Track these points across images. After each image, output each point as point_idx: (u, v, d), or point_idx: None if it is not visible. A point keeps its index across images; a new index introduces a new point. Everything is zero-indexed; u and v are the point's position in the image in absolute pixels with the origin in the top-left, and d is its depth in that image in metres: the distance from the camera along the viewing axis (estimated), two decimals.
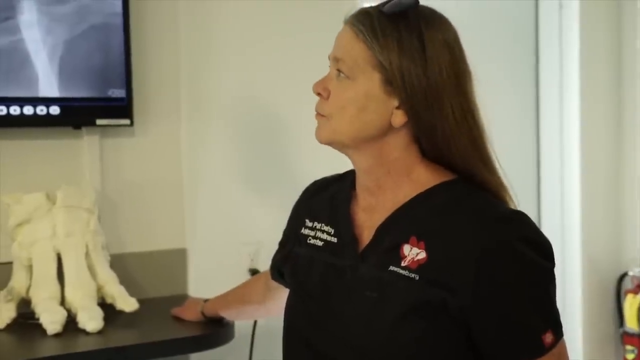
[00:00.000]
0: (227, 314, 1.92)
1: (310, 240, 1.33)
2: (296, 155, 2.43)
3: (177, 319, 2.00)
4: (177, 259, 2.31)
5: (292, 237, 1.43)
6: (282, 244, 1.51)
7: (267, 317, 2.14)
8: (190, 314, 1.98)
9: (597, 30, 2.91)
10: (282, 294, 1.46)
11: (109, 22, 2.12)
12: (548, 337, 1.10)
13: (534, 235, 1.14)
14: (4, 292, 1.98)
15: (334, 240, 1.28)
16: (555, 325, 1.12)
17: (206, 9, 2.30)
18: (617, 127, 2.96)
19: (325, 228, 1.31)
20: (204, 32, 2.32)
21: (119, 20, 2.12)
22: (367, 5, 1.21)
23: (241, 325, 2.08)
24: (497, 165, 1.22)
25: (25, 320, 1.94)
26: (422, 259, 1.13)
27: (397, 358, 1.14)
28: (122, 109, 2.15)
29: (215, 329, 1.94)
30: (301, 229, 1.37)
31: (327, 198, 1.36)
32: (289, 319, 1.33)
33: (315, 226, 1.34)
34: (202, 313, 1.95)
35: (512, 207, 1.21)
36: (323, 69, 1.28)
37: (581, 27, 2.87)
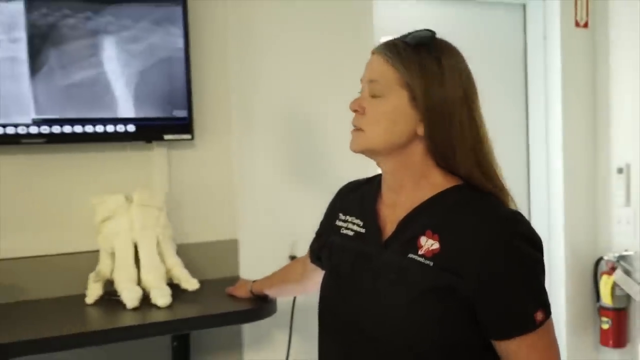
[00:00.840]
0: (271, 292, 1.92)
1: (343, 230, 1.33)
2: (329, 160, 2.41)
3: (231, 297, 2.00)
4: (230, 247, 2.30)
5: (327, 228, 1.42)
6: (319, 234, 1.50)
7: (304, 295, 2.09)
8: (241, 292, 1.98)
9: (575, 54, 2.88)
10: (317, 275, 1.47)
11: (173, 56, 2.11)
12: (539, 315, 1.10)
13: (527, 232, 1.14)
14: (93, 274, 1.99)
15: (362, 231, 1.29)
16: (544, 306, 1.12)
17: (252, 42, 2.31)
18: (593, 134, 2.93)
19: (356, 221, 1.31)
20: (250, 61, 2.32)
21: (181, 54, 2.12)
22: (391, 38, 1.22)
23: (283, 302, 2.07)
24: (497, 173, 1.22)
25: (110, 297, 1.96)
26: (436, 249, 1.14)
27: (411, 330, 1.13)
28: (184, 126, 2.14)
29: (261, 305, 1.93)
30: (335, 221, 1.37)
31: (358, 196, 1.36)
32: (323, 294, 1.33)
33: (347, 219, 1.34)
34: (251, 291, 1.95)
35: (512, 208, 1.20)
36: (352, 85, 1.30)
37: (562, 51, 2.85)
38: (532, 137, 3.02)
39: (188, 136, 2.16)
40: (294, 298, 2.20)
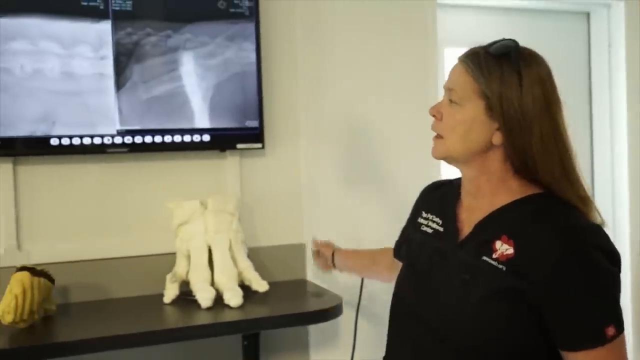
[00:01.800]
0: (352, 268, 1.93)
1: (423, 227, 1.35)
2: (393, 168, 2.42)
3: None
4: (297, 251, 2.33)
5: (410, 225, 1.43)
6: (403, 230, 1.51)
7: (368, 300, 2.17)
8: (328, 250, 2.04)
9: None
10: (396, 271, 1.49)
11: (246, 70, 2.17)
12: (610, 331, 1.08)
13: (605, 245, 1.12)
14: (170, 275, 2.04)
15: (441, 229, 1.29)
16: (617, 321, 1.09)
17: (319, 56, 2.36)
18: None
19: (435, 219, 1.32)
20: (318, 73, 2.36)
21: (253, 68, 2.17)
22: (476, 46, 1.23)
23: (348, 304, 2.10)
24: (581, 183, 1.20)
25: (185, 297, 2.00)
26: (510, 254, 1.13)
27: (478, 332, 1.14)
28: (255, 136, 2.19)
29: (328, 307, 1.95)
30: (418, 219, 1.38)
31: (439, 196, 1.37)
32: (398, 288, 1.34)
33: (428, 217, 1.35)
34: (332, 261, 1.98)
35: (598, 219, 1.18)
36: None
37: (627, 59, 2.79)
38: (596, 146, 2.96)
39: (259, 145, 2.22)
40: (359, 301, 2.20)
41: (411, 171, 2.36)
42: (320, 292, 2.14)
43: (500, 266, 1.13)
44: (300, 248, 2.34)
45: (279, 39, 2.31)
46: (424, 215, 1.37)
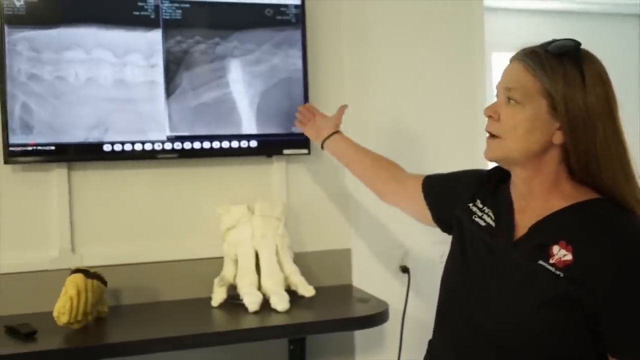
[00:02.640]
0: (344, 152, 1.89)
1: (475, 217, 1.31)
2: (435, 170, 2.42)
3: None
4: (343, 256, 2.33)
5: (461, 198, 1.38)
6: (442, 184, 1.52)
7: (413, 306, 2.16)
8: (326, 124, 1.96)
9: None
10: (404, 190, 1.53)
11: (292, 77, 2.19)
12: None
13: None
14: (217, 279, 2.07)
15: (493, 225, 1.27)
16: None
17: (364, 62, 2.36)
18: None
19: (490, 214, 1.29)
20: (363, 79, 2.36)
21: (299, 75, 2.20)
22: (531, 46, 1.21)
23: (394, 310, 2.08)
24: (638, 185, 1.17)
25: (233, 300, 2.02)
26: (568, 260, 1.11)
27: (531, 337, 1.12)
28: (302, 142, 2.21)
29: (374, 312, 1.94)
30: (470, 204, 1.35)
31: (493, 189, 1.34)
32: (449, 281, 1.32)
33: (484, 209, 1.31)
34: (322, 143, 1.93)
35: None
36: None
37: None
38: None
39: (305, 151, 2.24)
40: (405, 308, 2.21)
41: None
42: (366, 298, 2.14)
43: (558, 272, 1.11)
44: (345, 253, 2.35)
45: (325, 45, 2.33)
46: (479, 205, 1.33)
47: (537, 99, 1.16)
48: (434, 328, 1.36)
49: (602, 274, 1.08)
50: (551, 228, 1.17)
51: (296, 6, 2.20)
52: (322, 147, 1.98)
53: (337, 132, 1.96)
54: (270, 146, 2.21)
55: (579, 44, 1.18)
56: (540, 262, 1.14)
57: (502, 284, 1.18)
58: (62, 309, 1.78)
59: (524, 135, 1.17)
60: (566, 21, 2.79)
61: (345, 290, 2.16)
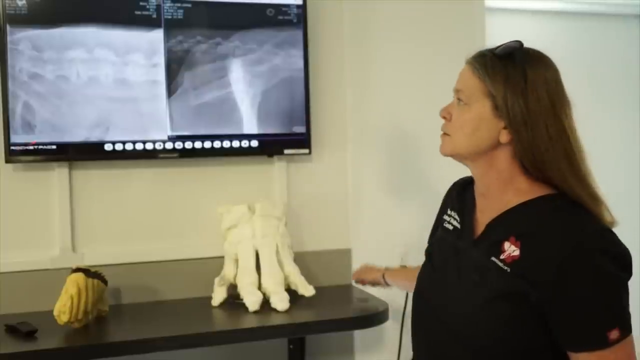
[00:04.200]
0: (403, 283, 1.90)
1: (445, 224, 1.36)
2: (439, 174, 2.32)
3: (359, 282, 1.98)
4: (343, 256, 2.34)
5: (437, 223, 1.44)
6: (433, 228, 1.51)
7: None
8: (372, 275, 1.95)
9: None
10: None
11: (293, 76, 2.20)
12: (614, 334, 1.07)
13: (613, 249, 1.11)
14: (218, 278, 2.07)
15: (459, 227, 1.30)
16: (622, 324, 1.08)
17: (366, 63, 2.36)
18: None
19: (456, 217, 1.33)
20: (365, 80, 2.37)
21: (301, 74, 2.21)
22: (485, 49, 1.25)
23: (393, 309, 2.10)
24: (591, 181, 1.18)
25: (233, 300, 2.03)
26: (516, 256, 1.14)
27: (484, 332, 1.15)
28: (302, 141, 2.22)
29: (374, 312, 1.95)
30: (443, 215, 1.40)
31: (461, 194, 1.38)
32: (417, 282, 1.37)
33: (451, 214, 1.36)
34: (383, 277, 1.92)
35: (608, 218, 1.17)
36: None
37: None
38: None
39: (306, 151, 2.25)
40: (404, 308, 2.19)
41: (458, 177, 2.34)
42: (366, 298, 2.14)
43: (506, 267, 1.14)
44: (345, 253, 2.36)
45: (327, 45, 2.33)
46: (449, 212, 1.38)
47: (481, 100, 1.20)
48: (411, 333, 1.37)
49: (546, 269, 1.10)
50: (504, 225, 1.20)
51: (298, 6, 2.21)
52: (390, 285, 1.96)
53: (385, 273, 1.94)
54: (271, 146, 2.22)
55: (521, 45, 1.21)
56: (492, 258, 1.17)
57: (462, 283, 1.22)
58: (63, 308, 1.78)
59: (471, 133, 1.22)
60: (567, 22, 2.78)
61: (345, 290, 2.17)
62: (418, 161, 2.44)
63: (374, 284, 1.98)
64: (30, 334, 1.77)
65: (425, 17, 2.44)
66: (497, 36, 2.54)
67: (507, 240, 1.17)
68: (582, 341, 1.10)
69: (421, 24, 2.43)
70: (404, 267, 1.96)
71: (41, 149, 2.00)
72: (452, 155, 1.28)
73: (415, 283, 1.83)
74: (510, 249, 1.15)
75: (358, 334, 2.34)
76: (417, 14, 2.42)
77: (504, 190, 1.23)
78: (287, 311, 1.96)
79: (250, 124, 2.18)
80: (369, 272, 2.00)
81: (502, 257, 1.16)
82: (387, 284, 1.94)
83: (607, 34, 2.84)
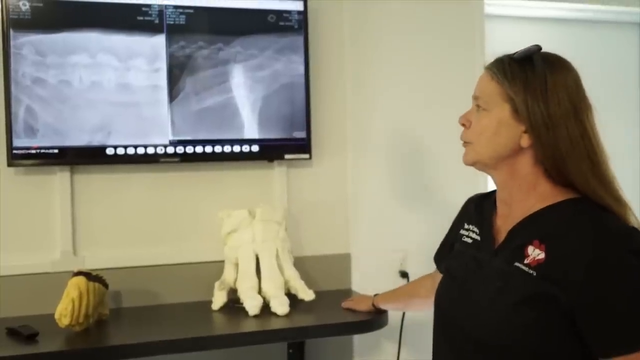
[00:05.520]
0: (395, 306, 1.92)
1: (464, 238, 1.36)
2: (438, 179, 2.43)
3: (349, 310, 1.99)
4: (343, 261, 2.34)
5: (452, 238, 1.44)
6: (443, 243, 1.51)
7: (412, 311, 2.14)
8: (363, 305, 1.97)
9: None
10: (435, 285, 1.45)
11: (294, 82, 2.21)
12: None
13: None
14: (218, 282, 2.06)
15: (478, 238, 1.30)
16: None
17: (366, 68, 2.37)
18: None
19: (474, 229, 1.33)
20: (365, 86, 2.37)
21: (301, 80, 2.22)
22: (503, 55, 1.24)
23: (393, 314, 2.08)
24: (615, 184, 1.18)
25: (233, 304, 2.03)
26: (541, 259, 1.12)
27: (512, 337, 1.13)
28: (303, 146, 2.23)
29: (373, 317, 1.94)
30: (460, 230, 1.39)
31: (479, 207, 1.37)
32: (437, 295, 1.35)
33: (469, 228, 1.35)
34: (373, 305, 1.94)
35: (634, 221, 1.16)
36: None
37: None
38: None
39: (306, 156, 2.25)
40: (403, 313, 2.22)
41: (457, 182, 2.35)
42: None
43: (531, 271, 1.13)
44: (345, 258, 2.36)
45: (327, 51, 2.35)
46: (466, 226, 1.38)
47: (501, 104, 1.20)
48: (433, 348, 1.36)
49: (573, 271, 1.08)
50: (527, 230, 1.19)
51: (299, 12, 2.22)
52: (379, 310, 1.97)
53: (374, 301, 1.96)
54: (271, 151, 2.23)
55: (539, 48, 1.21)
56: (516, 263, 1.16)
57: (485, 292, 1.20)
58: (64, 311, 1.78)
59: (491, 139, 1.21)
60: (566, 29, 2.80)
61: (345, 295, 2.16)
62: (418, 166, 2.45)
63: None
64: (31, 337, 1.78)
65: (426, 25, 2.45)
66: (496, 43, 2.58)
67: (531, 244, 1.15)
68: (614, 345, 1.07)
69: (421, 31, 2.45)
70: (391, 291, 1.95)
71: (43, 153, 2.01)
72: (474, 164, 1.26)
73: (405, 302, 1.86)
74: (535, 253, 1.14)
75: (357, 338, 2.35)
76: (418, 20, 2.44)
77: (527, 197, 1.22)
78: (286, 315, 1.96)
79: (251, 129, 2.19)
80: (358, 303, 2.01)
81: (526, 261, 1.14)
82: (380, 310, 1.95)
83: (606, 41, 2.85)
